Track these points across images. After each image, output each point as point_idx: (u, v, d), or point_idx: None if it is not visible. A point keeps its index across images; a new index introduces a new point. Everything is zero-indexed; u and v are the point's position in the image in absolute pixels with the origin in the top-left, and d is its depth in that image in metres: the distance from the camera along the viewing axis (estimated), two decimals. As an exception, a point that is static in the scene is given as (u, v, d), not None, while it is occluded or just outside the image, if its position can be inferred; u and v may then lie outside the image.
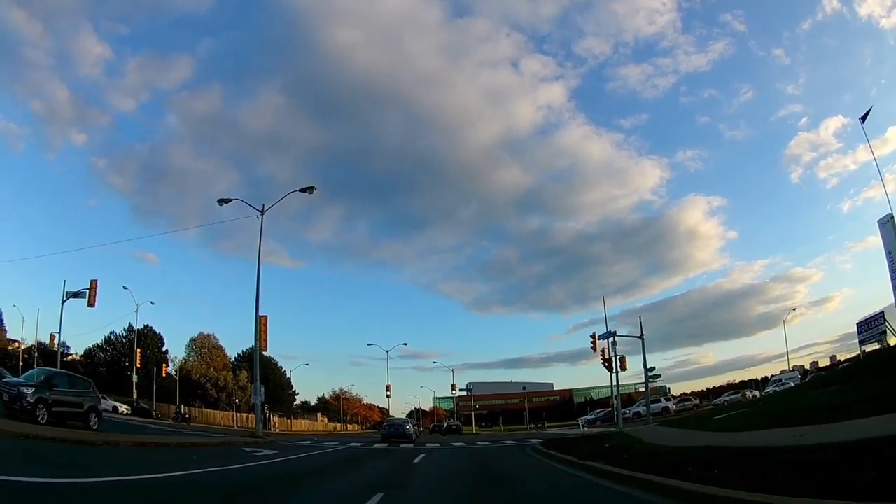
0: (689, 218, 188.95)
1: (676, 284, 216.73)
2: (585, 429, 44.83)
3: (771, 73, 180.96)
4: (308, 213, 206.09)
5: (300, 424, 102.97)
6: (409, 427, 46.51)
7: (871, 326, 54.91)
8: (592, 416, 73.95)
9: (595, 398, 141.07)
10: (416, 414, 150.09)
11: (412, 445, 37.41)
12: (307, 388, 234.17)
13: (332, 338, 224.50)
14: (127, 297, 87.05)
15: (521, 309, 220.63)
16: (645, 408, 67.46)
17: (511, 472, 19.12)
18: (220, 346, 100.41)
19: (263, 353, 42.59)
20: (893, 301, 43.30)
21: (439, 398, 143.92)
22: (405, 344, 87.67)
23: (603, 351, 59.17)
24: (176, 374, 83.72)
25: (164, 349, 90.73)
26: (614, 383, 57.41)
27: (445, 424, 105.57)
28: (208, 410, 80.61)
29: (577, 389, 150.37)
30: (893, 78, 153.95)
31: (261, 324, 41.51)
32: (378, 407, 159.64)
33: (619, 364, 48.02)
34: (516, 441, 41.05)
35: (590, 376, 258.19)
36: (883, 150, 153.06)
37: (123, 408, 55.53)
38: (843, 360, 75.67)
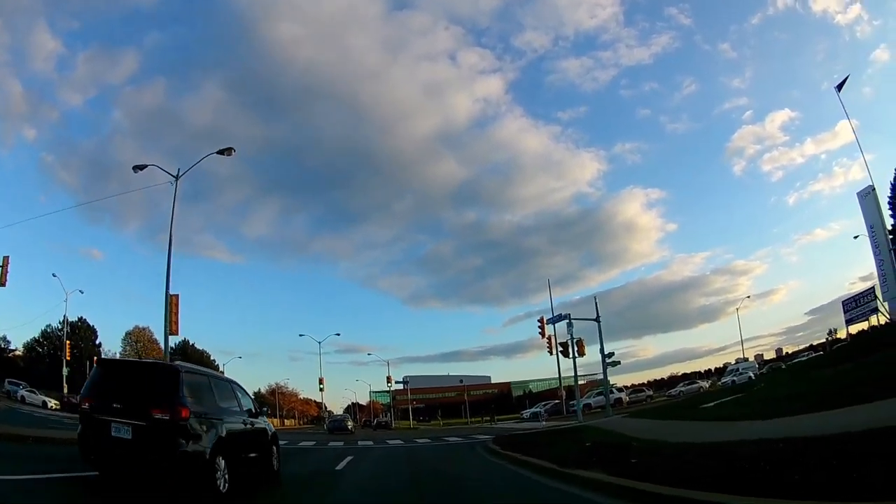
0: (626, 210, 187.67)
1: (614, 276, 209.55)
2: (543, 422, 39.22)
3: (716, 67, 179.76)
4: (246, 208, 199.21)
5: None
6: (350, 423, 60.85)
7: (859, 304, 52.23)
8: (537, 409, 69.08)
9: (534, 391, 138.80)
10: (352, 408, 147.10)
11: (342, 444, 31.74)
12: (246, 384, 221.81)
13: (271, 332, 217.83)
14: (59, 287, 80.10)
15: (457, 303, 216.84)
16: (595, 399, 63.61)
17: (468, 485, 13.51)
18: (156, 340, 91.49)
19: (174, 335, 35.78)
20: (878, 277, 39.58)
21: (376, 392, 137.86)
22: (338, 335, 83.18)
23: (549, 338, 55.76)
24: None
25: (97, 342, 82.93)
26: (561, 371, 52.59)
27: (375, 421, 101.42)
28: None
29: (516, 382, 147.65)
30: (846, 73, 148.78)
31: (171, 304, 34.92)
32: (315, 401, 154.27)
33: (576, 349, 42.49)
34: (461, 437, 35.40)
35: (526, 370, 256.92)
36: (833, 144, 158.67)
37: (53, 403, 50.94)
38: (789, 352, 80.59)
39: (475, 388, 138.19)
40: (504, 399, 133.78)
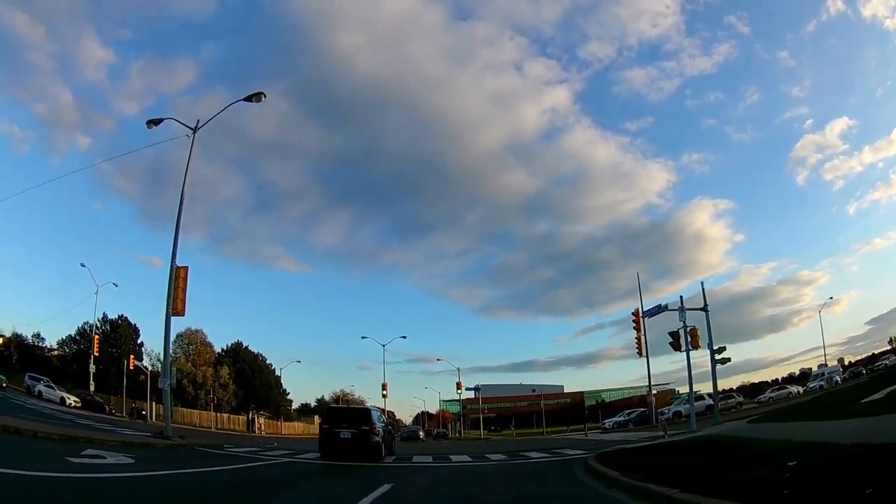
0: (695, 221, 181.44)
1: (684, 288, 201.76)
2: (663, 433, 29.57)
3: (776, 75, 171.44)
4: (314, 219, 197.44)
5: (292, 427, 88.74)
6: (422, 432, 57.72)
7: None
8: (622, 418, 59.78)
9: (607, 401, 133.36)
10: (421, 417, 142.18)
11: (391, 460, 23.50)
12: (312, 391, 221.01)
13: (340, 342, 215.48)
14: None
15: (528, 313, 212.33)
16: (685, 406, 53.85)
17: None
18: (209, 343, 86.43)
19: (179, 315, 28.10)
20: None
21: (446, 401, 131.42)
22: (404, 337, 77.05)
23: (638, 338, 49.22)
24: (147, 370, 69.61)
25: (139, 341, 76.52)
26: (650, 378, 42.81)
27: (435, 431, 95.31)
28: (185, 410, 68.11)
29: (589, 392, 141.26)
30: None
31: (178, 277, 27.50)
32: (383, 410, 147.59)
33: (689, 339, 33.06)
34: (545, 452, 26.23)
35: (598, 379, 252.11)
36: (889, 152, 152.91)
37: (72, 400, 48.37)
38: (851, 361, 74.80)
39: (548, 397, 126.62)
40: (577, 409, 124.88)
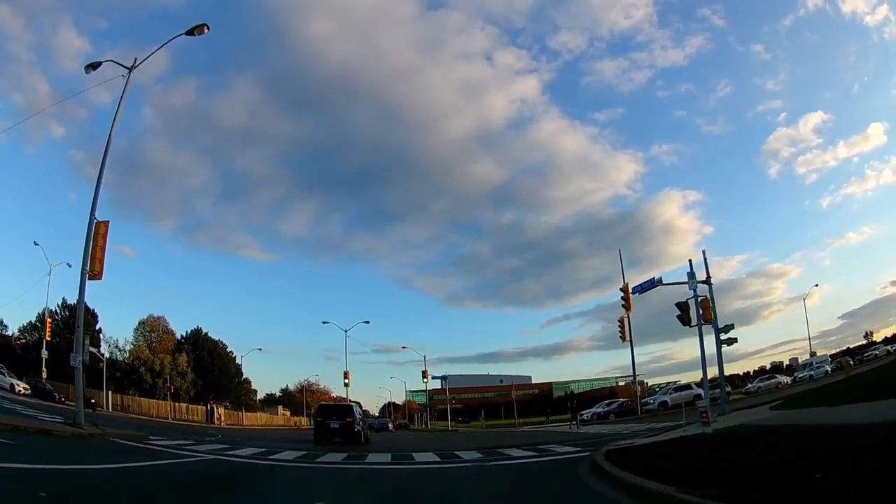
0: (664, 212, 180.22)
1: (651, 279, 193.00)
2: (685, 426, 24.36)
3: (750, 68, 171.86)
4: (281, 207, 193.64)
5: (254, 418, 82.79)
6: (391, 424, 65.72)
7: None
8: (601, 409, 54.92)
9: (576, 391, 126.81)
10: (388, 408, 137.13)
11: (341, 458, 19.00)
12: (278, 382, 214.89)
13: (307, 332, 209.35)
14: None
15: (495, 304, 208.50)
16: (672, 396, 50.20)
17: None
18: (171, 331, 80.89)
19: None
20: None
21: (413, 391, 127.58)
22: (367, 322, 70.90)
23: (622, 320, 46.30)
24: (104, 357, 63.89)
25: (97, 327, 69.75)
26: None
27: (397, 422, 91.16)
28: (142, 399, 62.57)
29: (558, 383, 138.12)
30: (876, 75, 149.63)
31: (97, 233, 22.47)
32: (349, 400, 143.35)
33: (701, 311, 28.13)
34: (529, 450, 21.23)
35: (564, 371, 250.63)
36: (864, 147, 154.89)
37: (21, 387, 46.42)
38: (825, 354, 71.53)
39: (516, 388, 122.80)
40: (545, 400, 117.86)
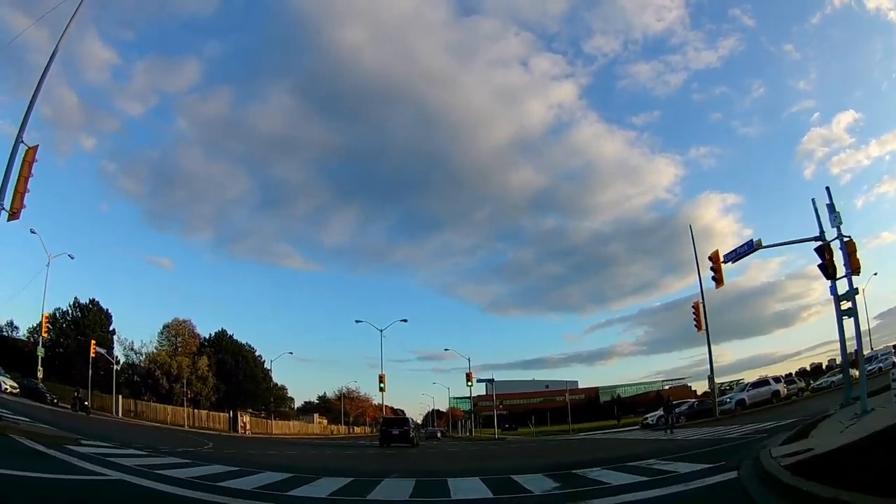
0: (704, 216, 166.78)
1: (693, 283, 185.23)
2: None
3: (782, 68, 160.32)
4: (320, 216, 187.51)
5: (286, 426, 75.70)
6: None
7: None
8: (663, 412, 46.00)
9: (622, 396, 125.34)
10: (432, 415, 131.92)
11: (343, 485, 11.42)
12: (318, 391, 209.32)
13: (348, 341, 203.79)
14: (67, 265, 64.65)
15: (537, 310, 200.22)
16: (750, 393, 41.72)
17: None
18: (198, 335, 73.78)
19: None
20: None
21: (456, 398, 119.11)
22: (405, 321, 61.71)
23: (696, 305, 39.56)
24: (117, 361, 57.64)
25: (111, 328, 63.50)
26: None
27: (425, 429, 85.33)
28: (157, 405, 56.33)
29: (604, 387, 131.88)
30: None
31: (24, 161, 18.18)
32: (392, 407, 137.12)
33: (849, 261, 19.03)
34: (619, 468, 13.24)
35: (608, 376, 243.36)
36: (895, 145, 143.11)
37: (8, 385, 41.73)
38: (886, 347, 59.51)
39: (560, 393, 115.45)
40: (592, 405, 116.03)
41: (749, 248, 25.19)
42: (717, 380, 44.06)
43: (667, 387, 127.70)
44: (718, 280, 28.18)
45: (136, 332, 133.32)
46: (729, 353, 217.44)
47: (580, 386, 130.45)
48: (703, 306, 39.45)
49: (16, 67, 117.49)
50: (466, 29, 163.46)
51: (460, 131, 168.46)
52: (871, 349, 64.01)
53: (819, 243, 20.33)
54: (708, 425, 32.69)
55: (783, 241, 24.84)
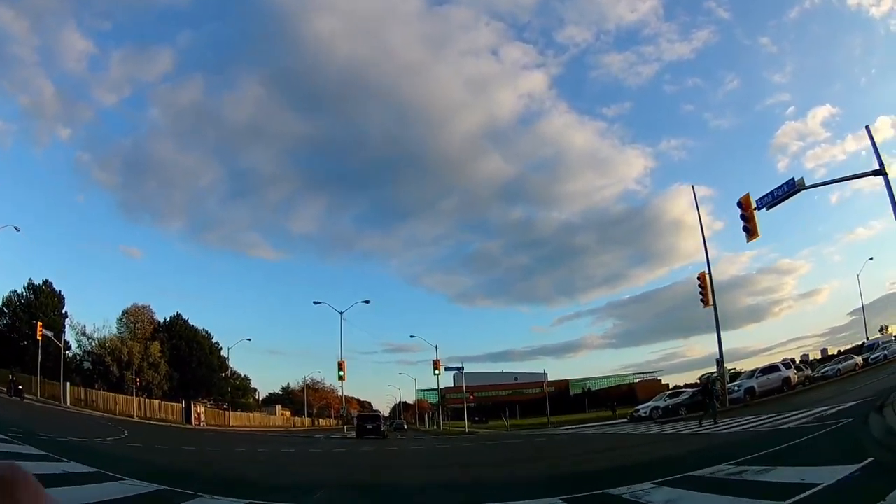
0: (674, 208, 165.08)
1: (662, 275, 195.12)
2: None
3: (757, 61, 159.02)
4: (291, 205, 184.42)
5: (245, 418, 69.57)
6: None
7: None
8: (662, 402, 40.90)
9: (593, 389, 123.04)
10: (398, 408, 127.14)
11: None
12: (280, 380, 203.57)
13: (318, 332, 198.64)
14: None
15: (505, 301, 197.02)
16: (759, 380, 37.32)
17: None
18: (157, 321, 66.79)
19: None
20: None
21: (424, 390, 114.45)
22: (367, 302, 56.48)
23: (702, 276, 35.34)
24: (65, 345, 51.95)
25: (63, 311, 57.86)
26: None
27: (405, 423, 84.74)
28: (108, 394, 50.93)
29: (574, 380, 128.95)
30: (883, 67, 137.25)
31: None
32: (357, 399, 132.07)
33: None
34: (681, 484, 8.67)
35: (577, 369, 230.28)
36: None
37: None
38: (840, 350, 64.88)
39: (531, 385, 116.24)
40: (562, 397, 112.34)
41: (790, 187, 20.87)
42: (683, 375, 39.92)
43: (637, 380, 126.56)
44: (751, 230, 23.56)
45: (98, 321, 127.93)
46: (698, 346, 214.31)
47: (550, 379, 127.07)
48: (710, 277, 34.93)
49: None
50: (439, 19, 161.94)
51: (431, 121, 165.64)
52: (867, 339, 62.22)
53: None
54: (728, 416, 27.74)
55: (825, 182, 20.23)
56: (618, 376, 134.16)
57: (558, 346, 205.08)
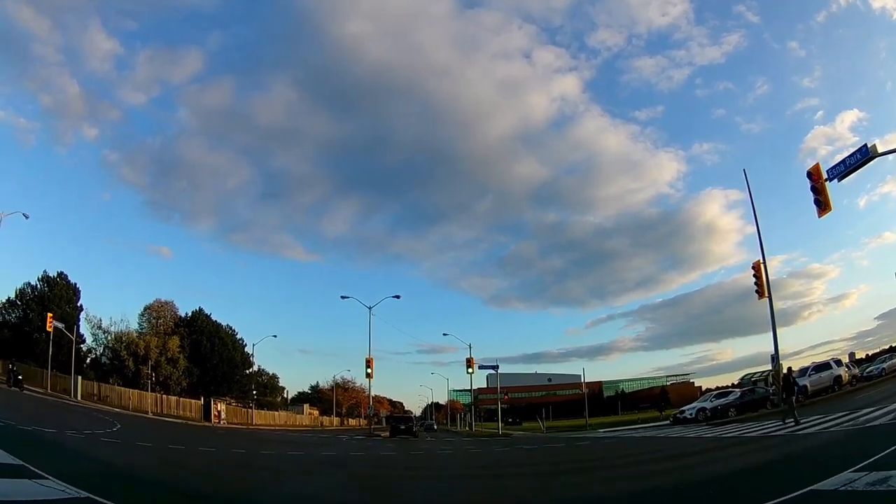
0: (706, 212, 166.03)
1: (694, 279, 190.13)
2: None
3: (786, 65, 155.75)
4: (323, 207, 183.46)
5: (269, 417, 66.94)
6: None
7: None
8: (707, 403, 36.63)
9: (626, 391, 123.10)
10: (430, 409, 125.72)
11: None
12: (311, 380, 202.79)
13: (350, 333, 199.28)
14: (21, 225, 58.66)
15: (539, 304, 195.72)
16: (812, 377, 34.50)
17: None
18: (178, 317, 64.54)
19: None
20: None
21: (456, 391, 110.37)
22: (397, 297, 52.23)
23: (757, 266, 31.97)
24: (76, 337, 49.80)
25: (78, 304, 55.66)
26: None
27: (435, 424, 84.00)
28: (122, 389, 48.70)
29: (607, 382, 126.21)
30: None
31: None
32: (389, 399, 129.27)
33: None
34: None
35: (609, 371, 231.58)
36: None
37: None
38: (861, 357, 62.60)
39: (565, 387, 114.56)
40: (596, 399, 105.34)
41: (863, 155, 17.84)
42: (737, 374, 36.00)
43: (669, 382, 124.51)
44: (824, 204, 20.21)
45: (117, 316, 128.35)
46: (730, 350, 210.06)
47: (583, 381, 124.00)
48: (765, 267, 30.90)
49: (18, 58, 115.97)
50: (470, 21, 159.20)
51: (464, 124, 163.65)
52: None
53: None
54: (783, 416, 23.67)
55: None
56: (650, 378, 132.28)
57: (590, 349, 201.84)
